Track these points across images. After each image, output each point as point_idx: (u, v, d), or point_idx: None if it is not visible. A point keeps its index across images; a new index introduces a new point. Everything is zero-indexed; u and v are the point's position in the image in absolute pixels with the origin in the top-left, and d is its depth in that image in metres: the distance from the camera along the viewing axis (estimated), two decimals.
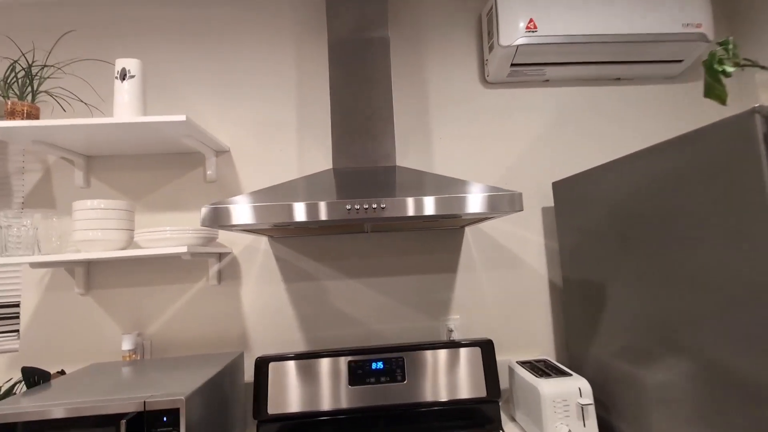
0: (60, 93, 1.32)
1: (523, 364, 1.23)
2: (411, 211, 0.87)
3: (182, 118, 1.10)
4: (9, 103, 1.11)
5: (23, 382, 1.10)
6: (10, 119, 1.11)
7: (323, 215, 0.85)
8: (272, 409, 1.14)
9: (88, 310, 1.35)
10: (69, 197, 1.38)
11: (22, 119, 1.12)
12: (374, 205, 0.87)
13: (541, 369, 1.18)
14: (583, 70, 1.45)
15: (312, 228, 1.08)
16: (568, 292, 1.31)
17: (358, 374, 1.16)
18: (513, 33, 1.29)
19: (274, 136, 1.43)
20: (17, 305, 1.37)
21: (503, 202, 0.88)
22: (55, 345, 1.32)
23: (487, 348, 1.21)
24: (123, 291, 1.36)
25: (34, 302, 1.34)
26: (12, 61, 1.11)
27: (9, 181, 1.39)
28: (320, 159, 1.44)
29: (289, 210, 0.85)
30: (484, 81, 1.49)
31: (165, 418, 0.86)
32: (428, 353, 1.20)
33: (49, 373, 1.07)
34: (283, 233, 1.21)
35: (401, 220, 0.92)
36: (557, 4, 1.31)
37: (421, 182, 1.01)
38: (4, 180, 1.39)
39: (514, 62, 1.37)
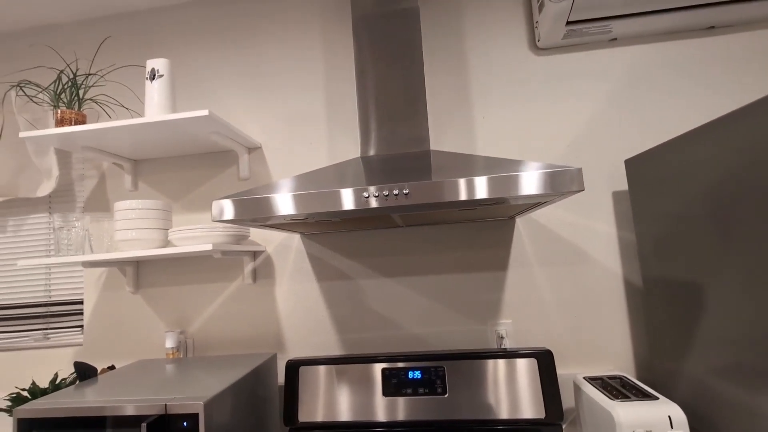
0: (104, 100, 1.39)
1: (592, 380, 1.02)
2: (438, 197, 0.73)
3: (205, 113, 1.07)
4: (58, 112, 1.18)
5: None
6: (59, 127, 1.18)
7: (331, 206, 0.75)
8: (304, 416, 1.07)
9: (138, 307, 1.40)
10: (120, 200, 1.44)
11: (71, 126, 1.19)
12: (395, 191, 0.74)
13: (617, 389, 0.96)
14: (664, 20, 1.17)
15: (336, 222, 0.99)
16: (652, 294, 1.06)
17: (392, 384, 1.04)
18: None
19: (304, 130, 1.38)
20: (82, 302, 1.47)
21: (554, 182, 0.70)
22: (110, 340, 1.40)
23: (545, 360, 1.02)
24: (168, 289, 1.39)
25: (94, 300, 1.43)
26: (58, 72, 1.17)
27: (73, 188, 1.51)
28: (351, 150, 1.35)
29: (283, 203, 0.76)
30: (534, 47, 1.28)
31: (185, 423, 0.82)
32: (473, 363, 1.04)
33: (95, 369, 1.11)
34: (308, 229, 1.14)
35: (430, 208, 0.79)
36: None
37: (456, 165, 0.87)
38: (69, 186, 1.50)
39: (570, 19, 1.15)
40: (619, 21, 1.16)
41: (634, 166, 1.09)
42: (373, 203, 0.74)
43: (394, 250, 1.29)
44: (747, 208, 0.75)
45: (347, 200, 0.75)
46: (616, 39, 1.25)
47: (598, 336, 1.18)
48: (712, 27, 1.22)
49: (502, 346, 1.18)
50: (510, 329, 1.21)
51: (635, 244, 1.19)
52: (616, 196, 1.21)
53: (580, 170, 0.70)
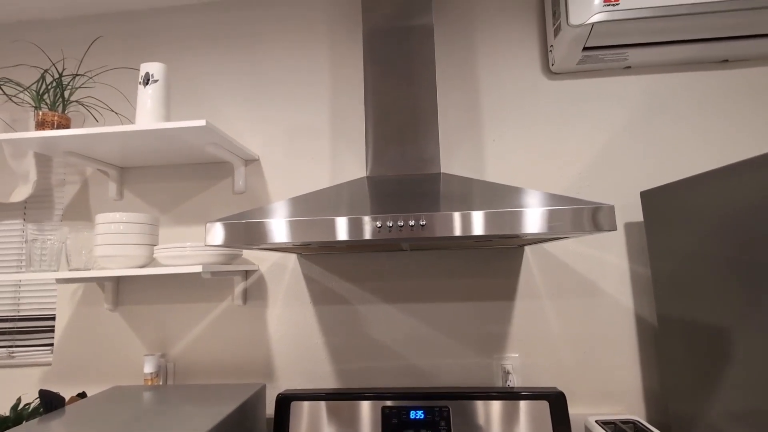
0: (92, 103, 1.30)
1: (604, 425, 0.96)
2: (459, 230, 0.67)
3: (202, 123, 1.00)
4: (40, 114, 1.09)
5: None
6: (40, 130, 1.08)
7: (342, 234, 0.68)
8: None
9: (116, 326, 1.29)
10: (103, 209, 1.35)
11: (52, 130, 1.10)
12: (411, 222, 0.68)
13: None
14: (678, 51, 1.15)
15: (339, 246, 0.92)
16: (667, 333, 1.01)
17: (392, 424, 0.96)
18: (587, 9, 1.05)
19: (306, 144, 1.31)
20: (53, 318, 1.35)
21: (589, 219, 0.64)
22: (84, 362, 1.28)
23: (557, 403, 0.95)
24: (149, 308, 1.29)
25: (67, 316, 1.31)
26: (42, 71, 1.08)
27: (51, 193, 1.40)
28: (356, 168, 1.28)
29: (294, 229, 0.69)
30: (548, 71, 1.25)
31: None
32: (480, 404, 0.97)
33: (63, 399, 1.00)
34: (308, 250, 1.06)
35: (446, 240, 0.73)
36: None
37: (472, 192, 0.81)
38: (47, 192, 1.40)
39: (587, 45, 1.12)
40: (635, 49, 1.14)
41: (650, 199, 1.05)
42: (388, 234, 0.68)
43: (397, 274, 1.22)
44: None
45: (355, 230, 0.68)
46: (630, 66, 1.23)
47: (607, 374, 1.12)
48: (726, 60, 1.21)
49: (508, 382, 1.12)
50: (516, 364, 1.15)
51: (648, 279, 1.14)
52: (629, 227, 1.17)
53: (612, 208, 0.65)
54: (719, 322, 0.85)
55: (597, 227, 0.65)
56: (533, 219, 0.66)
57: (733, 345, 0.81)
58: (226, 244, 0.72)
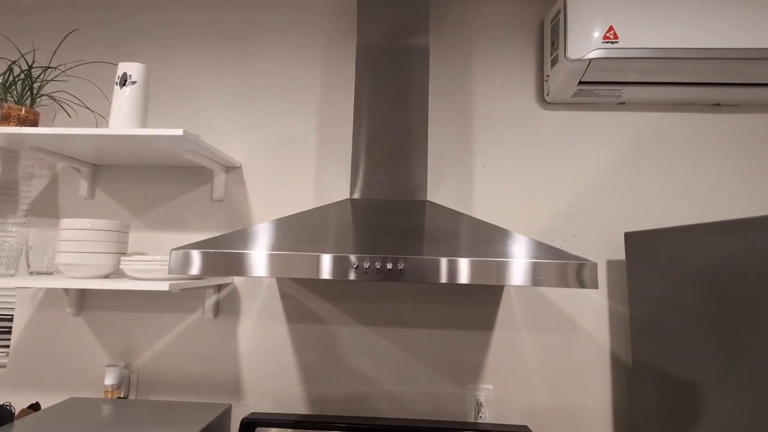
0: (65, 98, 1.23)
1: None
2: (444, 278, 0.64)
3: (179, 132, 0.95)
4: (5, 107, 1.02)
5: None
6: (4, 124, 1.01)
7: (326, 273, 0.65)
8: None
9: (78, 332, 1.23)
10: (72, 207, 1.28)
11: (17, 125, 1.03)
12: (389, 265, 0.65)
13: None
14: (672, 92, 1.15)
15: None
16: (640, 377, 1.01)
17: None
18: (585, 44, 1.04)
19: (291, 154, 1.26)
20: (11, 319, 1.28)
21: (573, 275, 0.63)
22: (40, 367, 1.22)
23: None
24: (115, 315, 1.23)
25: (26, 318, 1.24)
26: (9, 63, 1.01)
27: (17, 186, 1.32)
28: (340, 182, 1.25)
29: (278, 263, 0.66)
30: (542, 100, 1.23)
31: None
32: None
33: (12, 414, 0.94)
34: None
35: (423, 282, 0.70)
36: (646, 10, 1.03)
37: (457, 232, 0.78)
38: (13, 185, 1.32)
39: (583, 80, 1.11)
40: (630, 87, 1.13)
41: (634, 240, 1.04)
42: (364, 276, 0.65)
43: (375, 297, 1.19)
44: (755, 316, 0.70)
45: (340, 269, 0.65)
46: (624, 103, 1.22)
47: (579, 411, 1.12)
48: (718, 104, 1.21)
49: (480, 415, 1.10)
50: (490, 396, 1.13)
51: (626, 317, 1.14)
52: (611, 265, 1.16)
53: (595, 265, 0.63)
54: (692, 375, 0.85)
55: (580, 283, 0.63)
56: (517, 271, 0.64)
57: (705, 398, 0.81)
58: (201, 274, 0.68)
